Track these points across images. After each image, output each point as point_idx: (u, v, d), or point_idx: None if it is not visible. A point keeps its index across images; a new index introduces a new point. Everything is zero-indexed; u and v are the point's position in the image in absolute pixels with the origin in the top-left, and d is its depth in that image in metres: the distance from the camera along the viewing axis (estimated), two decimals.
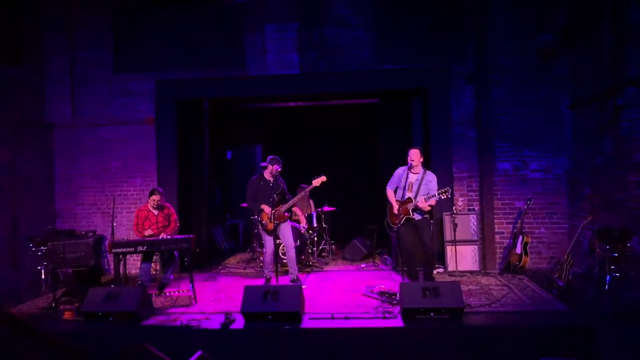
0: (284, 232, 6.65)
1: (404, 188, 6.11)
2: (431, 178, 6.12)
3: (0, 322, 1.61)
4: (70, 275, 7.10)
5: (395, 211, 6.11)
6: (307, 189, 6.90)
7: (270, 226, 6.49)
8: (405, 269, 6.36)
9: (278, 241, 6.71)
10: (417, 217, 6.05)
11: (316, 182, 6.65)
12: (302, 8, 7.88)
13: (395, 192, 6.27)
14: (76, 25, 8.25)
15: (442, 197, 5.88)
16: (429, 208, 5.99)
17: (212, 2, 8.08)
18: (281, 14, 7.90)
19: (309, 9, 7.88)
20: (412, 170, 6.14)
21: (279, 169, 6.61)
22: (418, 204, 5.87)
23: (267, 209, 6.51)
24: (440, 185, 6.08)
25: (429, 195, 5.88)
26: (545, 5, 7.43)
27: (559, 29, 7.35)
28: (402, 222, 6.09)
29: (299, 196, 6.87)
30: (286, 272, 6.86)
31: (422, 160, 6.16)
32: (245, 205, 8.67)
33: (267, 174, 6.68)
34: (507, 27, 7.52)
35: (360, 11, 7.85)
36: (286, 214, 6.70)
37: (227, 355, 4.70)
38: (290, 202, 6.69)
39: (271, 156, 6.69)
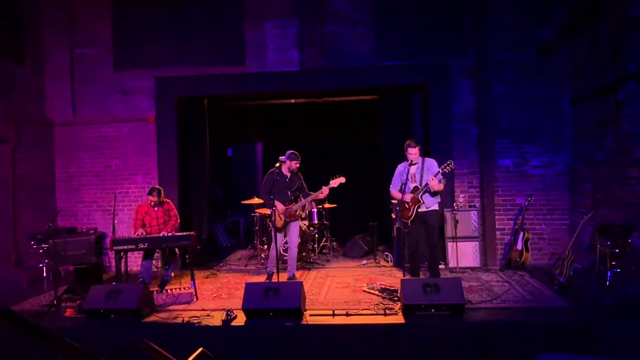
0: (291, 230, 6.59)
1: (407, 180, 6.09)
2: (431, 163, 6.12)
3: (2, 319, 1.62)
4: (71, 272, 7.12)
5: (407, 202, 6.02)
6: (324, 190, 6.51)
7: (280, 223, 6.45)
8: (407, 265, 6.37)
9: (285, 239, 6.69)
10: (427, 202, 5.98)
11: (334, 182, 6.43)
12: (302, 4, 7.87)
13: (402, 189, 6.19)
14: (76, 23, 8.25)
15: (447, 171, 5.85)
16: (441, 187, 5.95)
17: None
18: (281, 11, 7.89)
19: (309, 5, 7.87)
20: (412, 164, 6.13)
21: (297, 166, 6.49)
22: (429, 182, 5.80)
23: (279, 206, 6.42)
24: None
25: (435, 174, 5.87)
26: (544, 0, 7.41)
27: (559, 23, 7.32)
28: (414, 214, 6.02)
29: (312, 196, 6.61)
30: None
31: (419, 152, 6.14)
32: (245, 202, 8.71)
33: (284, 169, 6.57)
34: (506, 22, 7.50)
35: (360, 7, 7.83)
36: (298, 212, 6.60)
37: (229, 352, 4.71)
38: (302, 201, 6.60)
39: (290, 151, 6.58)
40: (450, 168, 5.86)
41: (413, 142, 6.13)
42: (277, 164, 6.76)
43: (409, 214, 6.04)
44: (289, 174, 6.55)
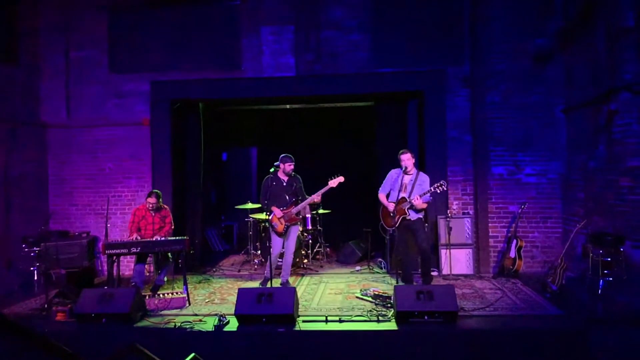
0: (290, 236, 6.55)
1: (399, 190, 6.13)
2: (425, 179, 6.17)
3: None
4: (63, 276, 7.08)
5: (391, 212, 6.10)
6: (323, 190, 6.44)
7: (280, 228, 6.42)
8: (400, 272, 6.38)
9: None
10: (412, 216, 6.05)
11: (333, 182, 6.38)
12: (298, 10, 7.89)
13: (388, 195, 6.28)
14: (72, 26, 8.23)
15: (438, 191, 5.88)
16: (424, 206, 6.02)
17: (208, 3, 8.07)
18: (277, 16, 7.91)
19: (305, 11, 7.89)
20: (406, 172, 6.17)
21: (291, 167, 6.47)
22: (413, 201, 5.89)
23: (276, 211, 6.42)
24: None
25: (424, 192, 5.92)
26: (540, 10, 7.47)
27: (554, 33, 7.39)
28: (397, 224, 6.09)
29: (311, 198, 6.53)
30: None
31: (414, 161, 6.20)
32: (239, 207, 8.69)
33: (280, 173, 6.56)
34: (502, 31, 7.55)
35: (356, 14, 7.86)
36: (297, 216, 6.56)
37: (221, 357, 4.69)
38: (302, 204, 6.56)
39: (283, 154, 6.56)
40: (443, 189, 5.86)
41: (405, 150, 6.26)
42: (272, 169, 6.75)
43: (393, 223, 6.10)
44: (285, 178, 6.54)
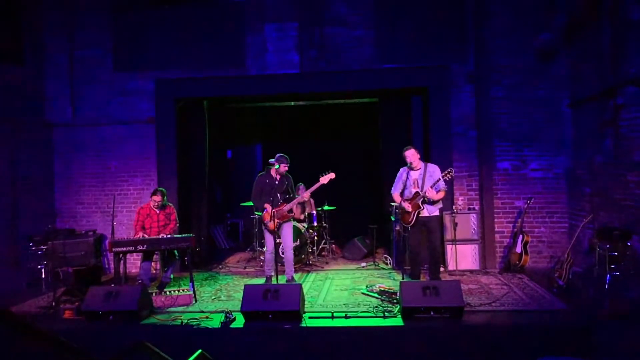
0: (284, 232, 6.58)
1: (409, 185, 6.14)
2: (434, 168, 6.17)
3: (1, 321, 1.61)
4: (70, 274, 7.11)
5: (408, 209, 6.10)
6: (314, 187, 6.54)
7: (272, 226, 6.44)
8: (408, 267, 6.38)
9: (278, 240, 6.68)
10: (428, 210, 6.05)
11: (324, 179, 6.42)
12: (302, 7, 7.88)
13: (403, 193, 6.25)
14: (76, 25, 8.25)
15: (447, 178, 5.93)
16: (440, 196, 6.01)
17: (212, 1, 8.08)
18: (281, 14, 7.90)
19: (309, 8, 7.88)
20: (412, 168, 6.17)
21: (286, 169, 6.48)
22: (426, 193, 5.89)
23: (269, 208, 6.43)
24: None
25: (435, 181, 5.91)
26: (544, 5, 7.42)
27: (559, 28, 7.33)
28: (414, 219, 6.08)
29: (301, 196, 6.72)
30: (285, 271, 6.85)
31: (419, 156, 6.19)
32: (244, 204, 8.71)
33: (273, 172, 6.56)
34: (506, 26, 7.51)
35: (360, 11, 7.84)
36: (289, 213, 6.59)
37: (227, 354, 4.70)
38: (293, 201, 6.59)
39: (279, 154, 6.55)
40: (451, 176, 5.92)
41: (407, 146, 6.27)
42: (276, 167, 6.76)
43: (409, 219, 6.08)
44: (278, 177, 6.53)
